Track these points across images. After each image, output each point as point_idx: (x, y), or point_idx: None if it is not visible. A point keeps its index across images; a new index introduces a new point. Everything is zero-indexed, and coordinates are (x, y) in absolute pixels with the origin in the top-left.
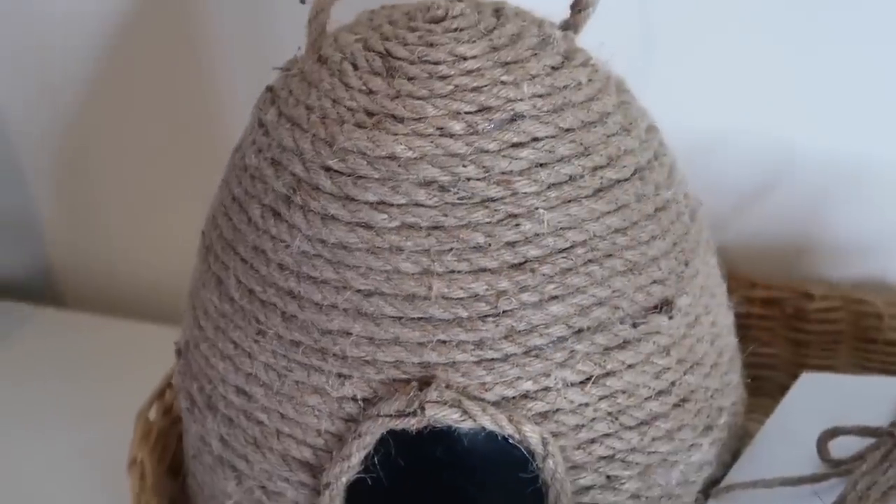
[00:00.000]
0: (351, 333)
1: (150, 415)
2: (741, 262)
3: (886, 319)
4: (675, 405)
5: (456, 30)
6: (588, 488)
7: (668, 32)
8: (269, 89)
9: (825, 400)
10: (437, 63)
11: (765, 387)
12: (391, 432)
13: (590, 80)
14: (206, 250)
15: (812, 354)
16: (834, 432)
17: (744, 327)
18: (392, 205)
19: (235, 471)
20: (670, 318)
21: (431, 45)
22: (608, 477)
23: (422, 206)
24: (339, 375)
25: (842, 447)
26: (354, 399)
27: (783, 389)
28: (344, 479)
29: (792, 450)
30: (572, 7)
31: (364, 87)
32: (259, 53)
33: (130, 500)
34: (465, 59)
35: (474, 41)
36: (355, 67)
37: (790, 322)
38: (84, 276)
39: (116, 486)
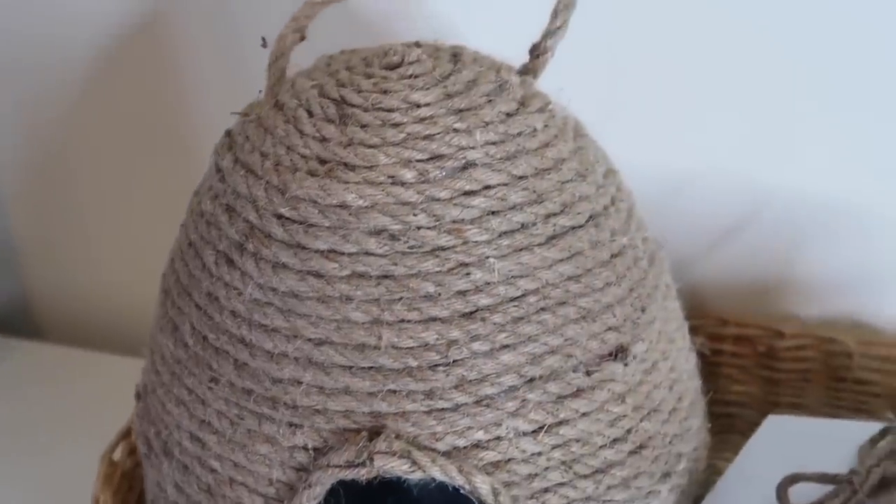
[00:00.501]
0: (301, 382)
1: (116, 455)
2: (712, 300)
3: (856, 358)
4: (632, 452)
5: (411, 76)
6: None
7: (636, 74)
8: (228, 134)
9: (790, 444)
10: (390, 110)
11: (736, 424)
12: (342, 482)
13: (545, 126)
14: (164, 294)
15: (783, 392)
16: (794, 479)
17: (714, 365)
18: (342, 253)
19: None
20: (625, 365)
21: (385, 91)
22: None
23: (372, 254)
24: (290, 424)
25: (803, 493)
26: (305, 448)
27: (754, 427)
28: None
29: (754, 495)
30: (531, 52)
31: (317, 135)
32: (242, 88)
33: None
34: (418, 106)
35: (428, 88)
36: (310, 114)
37: (761, 360)
38: (63, 309)
39: None
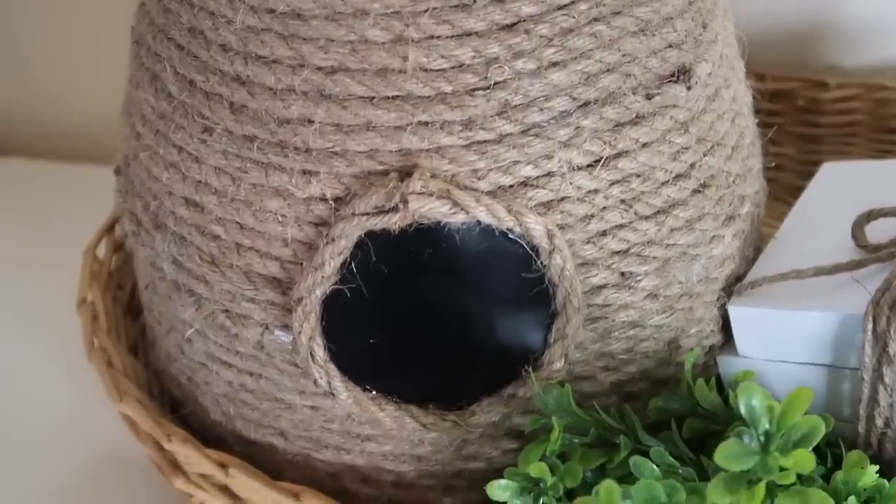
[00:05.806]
0: (313, 121)
1: (100, 252)
2: (748, 53)
3: None
4: (695, 191)
5: None
6: (600, 287)
7: None
8: None
9: (851, 188)
10: None
11: (773, 189)
12: (370, 234)
13: None
14: (137, 45)
15: (825, 150)
16: (871, 215)
17: None
18: None
19: (193, 295)
20: (688, 88)
21: None
22: (622, 274)
23: None
24: (304, 172)
25: (878, 232)
26: (324, 198)
27: (793, 191)
28: (318, 293)
29: (820, 241)
30: None
31: None
32: None
33: (82, 342)
34: None
35: None
36: None
37: (801, 116)
38: (20, 123)
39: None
